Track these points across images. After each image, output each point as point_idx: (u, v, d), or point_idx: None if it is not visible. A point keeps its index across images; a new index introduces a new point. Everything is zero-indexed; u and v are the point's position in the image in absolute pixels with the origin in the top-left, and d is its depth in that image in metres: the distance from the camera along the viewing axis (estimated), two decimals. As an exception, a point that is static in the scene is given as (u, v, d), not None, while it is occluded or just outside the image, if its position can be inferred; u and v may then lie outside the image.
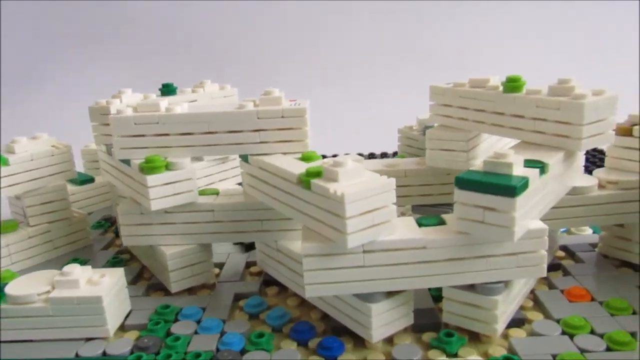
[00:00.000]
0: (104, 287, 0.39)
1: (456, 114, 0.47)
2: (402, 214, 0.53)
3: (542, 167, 0.35)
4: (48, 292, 0.39)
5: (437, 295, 0.41)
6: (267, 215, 0.44)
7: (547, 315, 0.39)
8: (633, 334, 0.36)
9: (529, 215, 0.34)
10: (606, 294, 0.41)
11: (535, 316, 0.39)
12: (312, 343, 0.37)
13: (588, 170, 0.46)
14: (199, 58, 1.40)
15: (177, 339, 0.37)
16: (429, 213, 0.49)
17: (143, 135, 0.43)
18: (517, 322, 0.38)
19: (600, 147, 0.46)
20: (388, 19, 1.46)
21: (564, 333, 0.37)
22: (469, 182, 0.33)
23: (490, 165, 0.34)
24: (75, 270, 0.39)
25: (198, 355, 0.36)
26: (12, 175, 0.50)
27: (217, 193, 0.46)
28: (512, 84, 0.42)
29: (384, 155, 0.85)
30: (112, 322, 0.39)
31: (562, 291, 0.42)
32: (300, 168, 0.37)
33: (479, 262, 0.34)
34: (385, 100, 1.20)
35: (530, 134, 0.41)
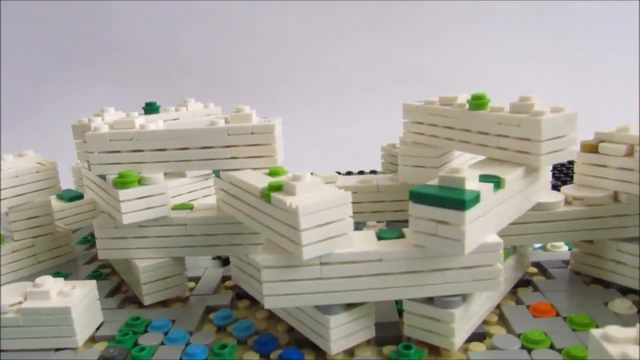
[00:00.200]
0: (74, 298, 0.40)
1: (427, 131, 0.48)
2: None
3: (497, 182, 0.36)
4: (20, 302, 0.40)
5: (401, 309, 0.41)
6: (238, 229, 0.45)
7: (510, 330, 0.39)
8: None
9: (483, 229, 0.34)
10: (571, 310, 0.41)
11: (498, 330, 0.39)
12: (274, 355, 0.37)
13: (565, 185, 0.46)
14: (187, 77, 1.46)
15: (142, 349, 0.38)
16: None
17: (118, 151, 0.44)
18: (478, 336, 0.38)
19: (561, 162, 0.46)
20: (375, 34, 1.49)
21: (523, 347, 0.37)
22: (423, 196, 0.34)
23: (444, 180, 0.34)
24: (47, 282, 0.40)
25: (161, 365, 0.36)
26: (-3, 191, 0.52)
27: (191, 208, 0.47)
28: (477, 102, 0.43)
29: (360, 172, 0.86)
30: (82, 333, 0.40)
31: (527, 307, 0.42)
32: (265, 182, 0.38)
33: (435, 275, 0.35)
34: (372, 117, 1.22)
35: (494, 150, 0.42)
